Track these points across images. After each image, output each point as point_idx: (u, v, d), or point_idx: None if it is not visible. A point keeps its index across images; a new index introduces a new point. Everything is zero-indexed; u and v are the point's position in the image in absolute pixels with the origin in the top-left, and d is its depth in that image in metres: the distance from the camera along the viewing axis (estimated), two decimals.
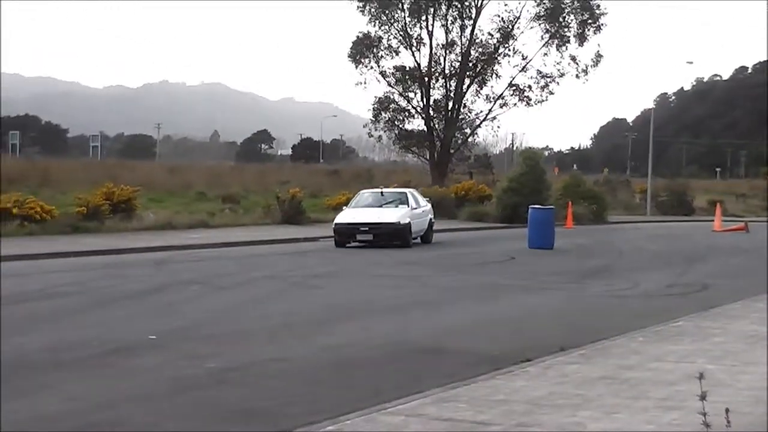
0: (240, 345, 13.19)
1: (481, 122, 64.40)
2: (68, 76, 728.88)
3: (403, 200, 34.16)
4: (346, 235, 31.70)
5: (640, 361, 11.60)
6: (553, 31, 61.74)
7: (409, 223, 32.38)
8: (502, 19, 62.34)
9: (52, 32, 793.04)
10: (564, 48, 62.04)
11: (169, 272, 23.22)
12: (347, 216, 32.42)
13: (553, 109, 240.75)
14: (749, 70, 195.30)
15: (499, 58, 63.02)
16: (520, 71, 62.96)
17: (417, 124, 64.22)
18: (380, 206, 33.58)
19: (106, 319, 15.52)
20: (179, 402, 9.80)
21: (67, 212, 33.87)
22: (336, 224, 31.96)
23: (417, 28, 62.53)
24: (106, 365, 11.61)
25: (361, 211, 33.01)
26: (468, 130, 65.26)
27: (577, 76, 62.57)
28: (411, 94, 63.26)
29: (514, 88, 63.14)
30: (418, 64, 62.63)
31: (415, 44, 62.46)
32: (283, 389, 10.43)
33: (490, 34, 62.90)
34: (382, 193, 35.34)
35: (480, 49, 62.96)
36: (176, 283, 20.95)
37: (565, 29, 61.70)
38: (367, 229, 31.46)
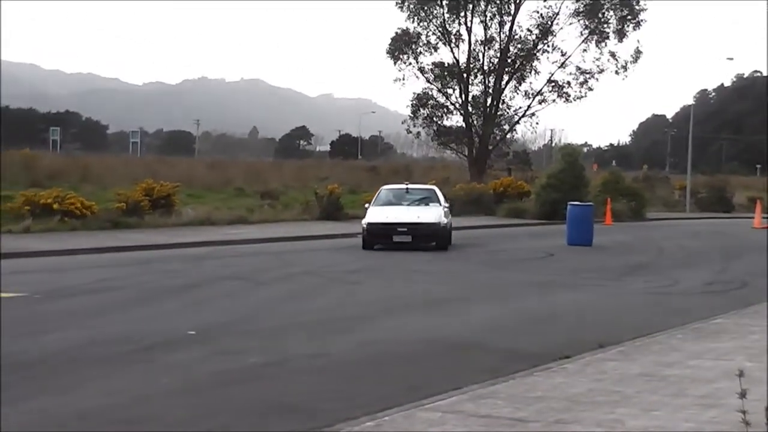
0: (278, 340, 13.24)
1: (519, 118, 64.31)
2: (108, 72, 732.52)
3: (432, 198, 31.77)
4: (380, 235, 28.92)
5: (679, 359, 11.55)
6: (592, 27, 61.48)
7: (449, 223, 30.55)
8: (541, 15, 62.23)
9: (92, 29, 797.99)
10: (603, 44, 61.82)
11: (208, 268, 23.32)
12: (380, 214, 29.62)
13: (592, 105, 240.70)
14: None
15: (537, 54, 62.86)
16: (559, 67, 62.81)
17: (455, 120, 64.26)
18: (410, 204, 30.95)
19: (145, 315, 15.61)
20: (218, 397, 9.83)
21: (108, 208, 34.08)
22: (369, 224, 29.17)
23: (456, 25, 62.50)
24: (145, 360, 11.68)
25: (394, 209, 30.27)
26: (506, 127, 65.16)
27: (616, 73, 62.35)
28: (449, 91, 63.25)
29: (553, 84, 62.97)
30: (457, 61, 62.61)
31: (453, 40, 62.44)
32: (321, 385, 10.46)
33: (528, 30, 62.82)
34: (407, 189, 32.24)
35: (519, 46, 62.83)
36: (215, 278, 21.04)
37: (605, 25, 61.44)
38: (405, 229, 28.85)
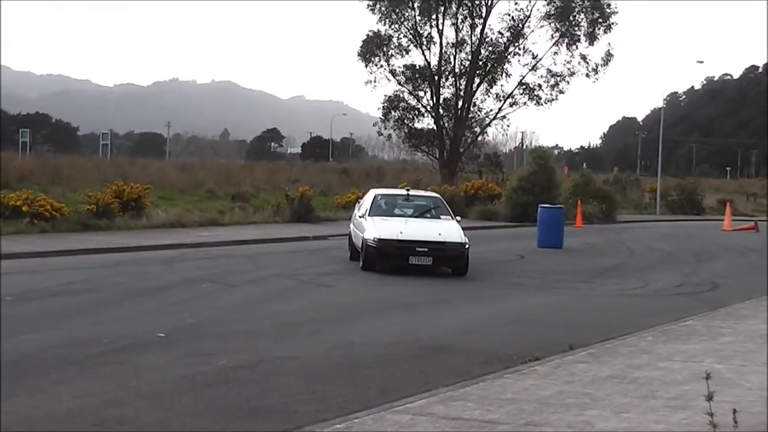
0: (249, 343, 13.22)
1: (490, 121, 64.34)
2: (79, 74, 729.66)
3: (441, 209, 26.27)
4: (392, 255, 23.30)
5: (648, 361, 11.61)
6: (563, 30, 61.61)
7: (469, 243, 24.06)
8: (512, 18, 62.26)
9: (63, 31, 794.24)
10: (574, 47, 61.92)
11: (179, 270, 23.24)
12: (390, 229, 23.86)
13: (563, 108, 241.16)
14: (760, 69, 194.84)
15: (508, 57, 62.94)
16: (530, 70, 62.87)
17: (427, 122, 64.17)
18: (418, 216, 25.47)
19: (116, 317, 15.54)
20: (188, 399, 9.83)
21: (78, 210, 33.91)
22: (378, 240, 23.28)
23: (427, 27, 62.47)
24: (116, 362, 11.64)
25: (405, 222, 24.77)
26: (478, 129, 65.21)
27: (587, 75, 62.47)
28: (421, 93, 63.20)
29: (524, 86, 63.02)
30: (428, 63, 62.58)
31: (425, 43, 62.41)
32: (293, 387, 10.46)
33: (500, 33, 62.83)
34: (408, 197, 26.82)
35: (490, 48, 62.85)
36: (186, 280, 20.97)
37: (576, 28, 61.58)
38: (426, 249, 23.10)
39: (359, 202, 28.50)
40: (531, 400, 9.42)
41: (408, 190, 28.80)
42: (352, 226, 27.02)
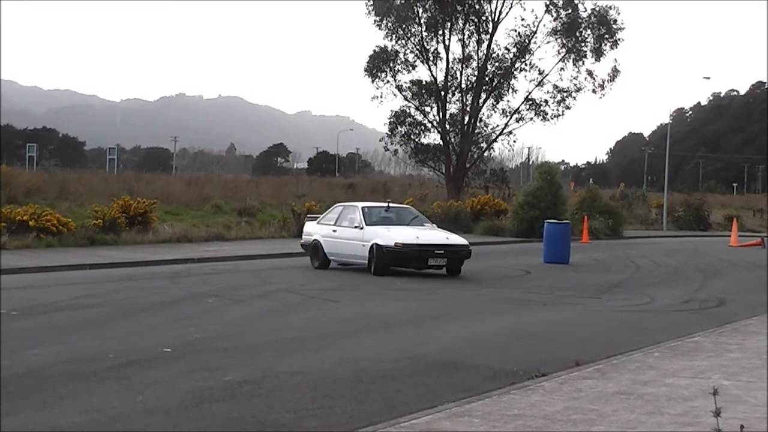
0: (255, 358, 13.20)
1: (497, 136, 64.35)
2: (86, 89, 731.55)
3: (421, 218, 29.85)
4: (415, 258, 26.42)
5: (655, 377, 11.58)
6: (569, 46, 61.66)
7: None
8: (519, 33, 62.33)
9: (70, 45, 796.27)
10: (581, 63, 61.99)
11: (185, 285, 23.25)
12: (408, 235, 26.81)
13: (569, 123, 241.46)
14: (766, 85, 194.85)
15: (515, 72, 63.02)
16: (537, 86, 62.92)
17: (433, 138, 64.21)
18: (409, 225, 28.17)
19: (122, 332, 15.54)
20: (195, 415, 9.81)
21: (84, 224, 33.96)
22: (401, 245, 26.18)
23: (434, 43, 62.56)
24: (122, 377, 11.63)
25: (414, 230, 27.53)
26: (484, 145, 65.20)
27: (593, 91, 62.57)
28: (427, 108, 63.27)
29: (531, 102, 63.10)
30: (435, 79, 62.66)
31: (431, 58, 62.50)
32: (299, 402, 10.44)
33: (506, 48, 62.89)
34: (388, 208, 29.48)
35: (496, 64, 62.94)
36: (192, 295, 20.97)
37: (582, 44, 61.62)
38: (443, 252, 26.51)
39: (321, 216, 30.71)
40: (537, 416, 9.40)
41: (389, 202, 30.94)
42: (318, 237, 29.06)
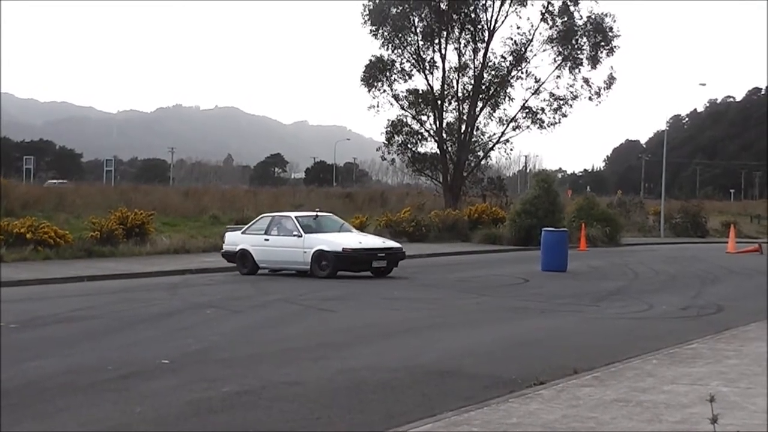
0: (254, 368, 13.20)
1: (494, 145, 64.43)
2: (83, 101, 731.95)
3: (346, 225, 32.20)
4: (361, 261, 28.64)
5: (654, 384, 11.58)
6: (565, 53, 61.78)
7: None
8: (515, 42, 62.44)
9: (66, 58, 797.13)
10: (577, 70, 62.09)
11: (183, 296, 23.26)
12: (352, 240, 29.25)
13: (566, 131, 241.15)
14: (763, 92, 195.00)
15: (511, 80, 63.10)
16: (533, 94, 63.01)
17: (430, 147, 64.24)
18: (338, 231, 30.39)
19: (121, 343, 15.55)
20: (193, 425, 9.82)
21: (82, 236, 33.96)
22: (350, 249, 28.37)
23: (430, 52, 62.66)
24: (121, 389, 11.63)
25: (354, 236, 30.27)
26: (481, 153, 65.23)
27: (590, 99, 62.65)
28: (424, 117, 63.31)
29: (527, 110, 63.18)
30: (431, 88, 62.73)
31: (427, 67, 62.59)
32: (297, 412, 10.44)
33: (502, 57, 63.01)
34: (317, 217, 30.91)
35: (493, 72, 63.01)
36: (190, 306, 20.98)
37: (578, 52, 61.73)
38: (384, 255, 29.18)
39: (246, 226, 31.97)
40: (536, 424, 9.40)
41: (318, 211, 31.95)
42: (245, 246, 30.03)
